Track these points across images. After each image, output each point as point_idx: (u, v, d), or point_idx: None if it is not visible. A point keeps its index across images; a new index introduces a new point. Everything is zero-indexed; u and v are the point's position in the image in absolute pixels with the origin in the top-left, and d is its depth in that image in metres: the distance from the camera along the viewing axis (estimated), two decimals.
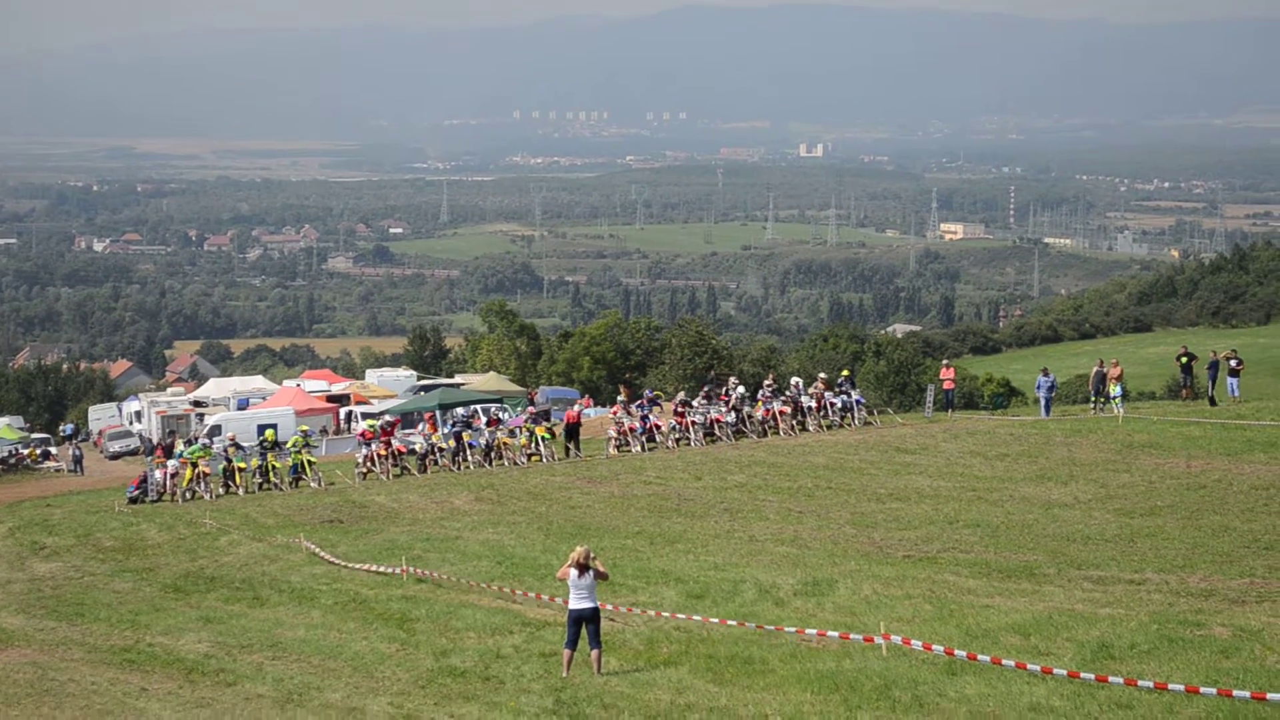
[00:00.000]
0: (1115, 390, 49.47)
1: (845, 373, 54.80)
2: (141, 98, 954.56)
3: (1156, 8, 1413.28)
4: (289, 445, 50.89)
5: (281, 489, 47.60)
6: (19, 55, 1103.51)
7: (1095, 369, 51.40)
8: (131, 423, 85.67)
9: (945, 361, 65.75)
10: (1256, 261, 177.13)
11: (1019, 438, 44.04)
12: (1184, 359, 51.91)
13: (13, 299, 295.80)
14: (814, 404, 50.63)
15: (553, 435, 50.11)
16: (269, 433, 52.10)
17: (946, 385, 55.64)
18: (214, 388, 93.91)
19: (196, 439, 60.52)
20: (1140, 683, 16.90)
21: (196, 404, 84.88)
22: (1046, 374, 52.03)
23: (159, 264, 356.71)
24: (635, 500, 38.01)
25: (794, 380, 53.30)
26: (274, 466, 48.70)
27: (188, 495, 47.35)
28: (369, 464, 49.18)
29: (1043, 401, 51.35)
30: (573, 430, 50.41)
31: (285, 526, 37.50)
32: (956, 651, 18.66)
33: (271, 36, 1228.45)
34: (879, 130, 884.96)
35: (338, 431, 74.54)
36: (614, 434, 50.00)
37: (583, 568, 19.98)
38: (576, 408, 57.23)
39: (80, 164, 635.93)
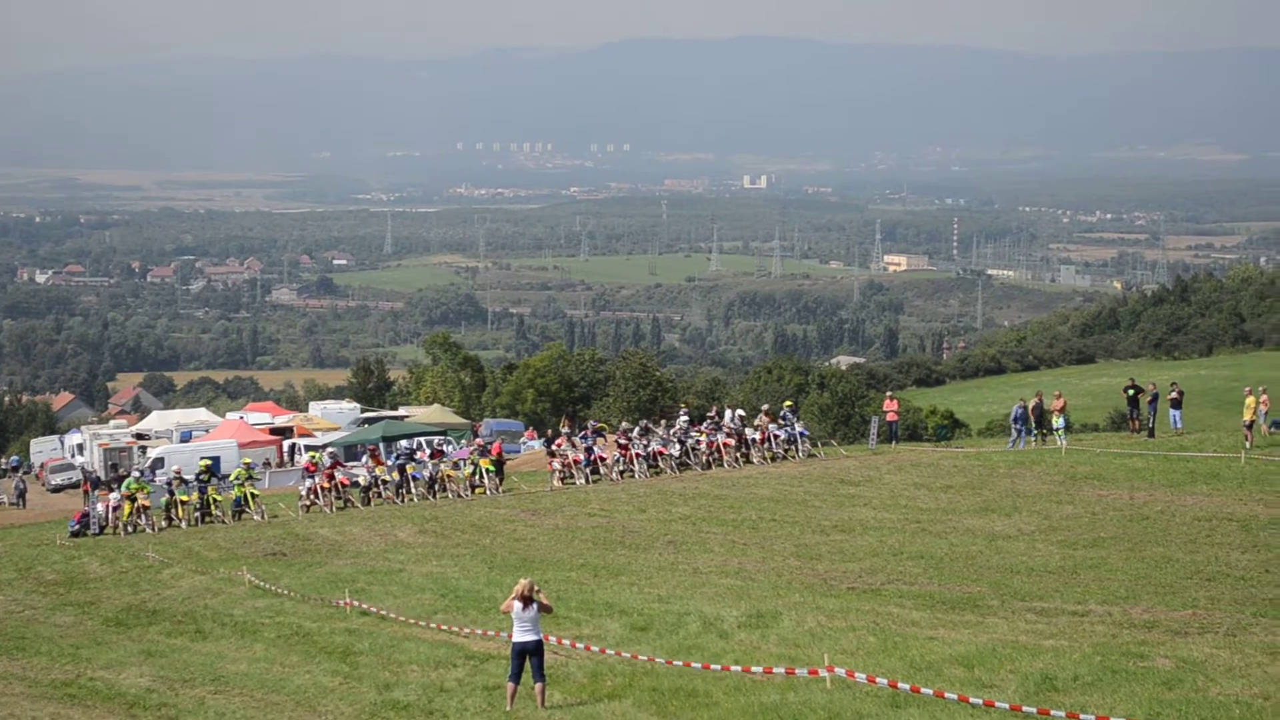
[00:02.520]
0: (1058, 422, 49.70)
1: (788, 404, 54.78)
2: (85, 129, 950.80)
3: (1098, 41, 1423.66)
4: (232, 478, 50.71)
5: (224, 522, 47.39)
6: None
7: (1034, 401, 51.34)
8: (73, 455, 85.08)
9: (889, 393, 65.76)
10: (1198, 293, 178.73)
11: (962, 469, 44.18)
12: (1131, 391, 52.05)
13: None
14: (758, 436, 50.68)
15: (497, 468, 49.89)
16: (202, 462, 52.02)
17: (890, 417, 55.75)
18: (157, 420, 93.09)
19: (139, 471, 60.18)
20: (1083, 715, 16.91)
21: (139, 436, 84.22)
22: (1021, 405, 52.10)
23: (102, 296, 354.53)
24: (579, 532, 37.93)
25: (738, 413, 53.36)
26: (214, 499, 48.50)
27: (129, 529, 47.10)
28: (312, 496, 48.89)
29: (1015, 432, 51.33)
30: (495, 464, 50.16)
31: (228, 560, 37.31)
32: (900, 684, 18.66)
33: (214, 68, 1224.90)
34: (822, 162, 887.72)
35: (281, 464, 74.16)
36: (558, 466, 49.87)
37: (526, 600, 19.92)
38: (507, 440, 56.91)
39: (22, 195, 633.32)
